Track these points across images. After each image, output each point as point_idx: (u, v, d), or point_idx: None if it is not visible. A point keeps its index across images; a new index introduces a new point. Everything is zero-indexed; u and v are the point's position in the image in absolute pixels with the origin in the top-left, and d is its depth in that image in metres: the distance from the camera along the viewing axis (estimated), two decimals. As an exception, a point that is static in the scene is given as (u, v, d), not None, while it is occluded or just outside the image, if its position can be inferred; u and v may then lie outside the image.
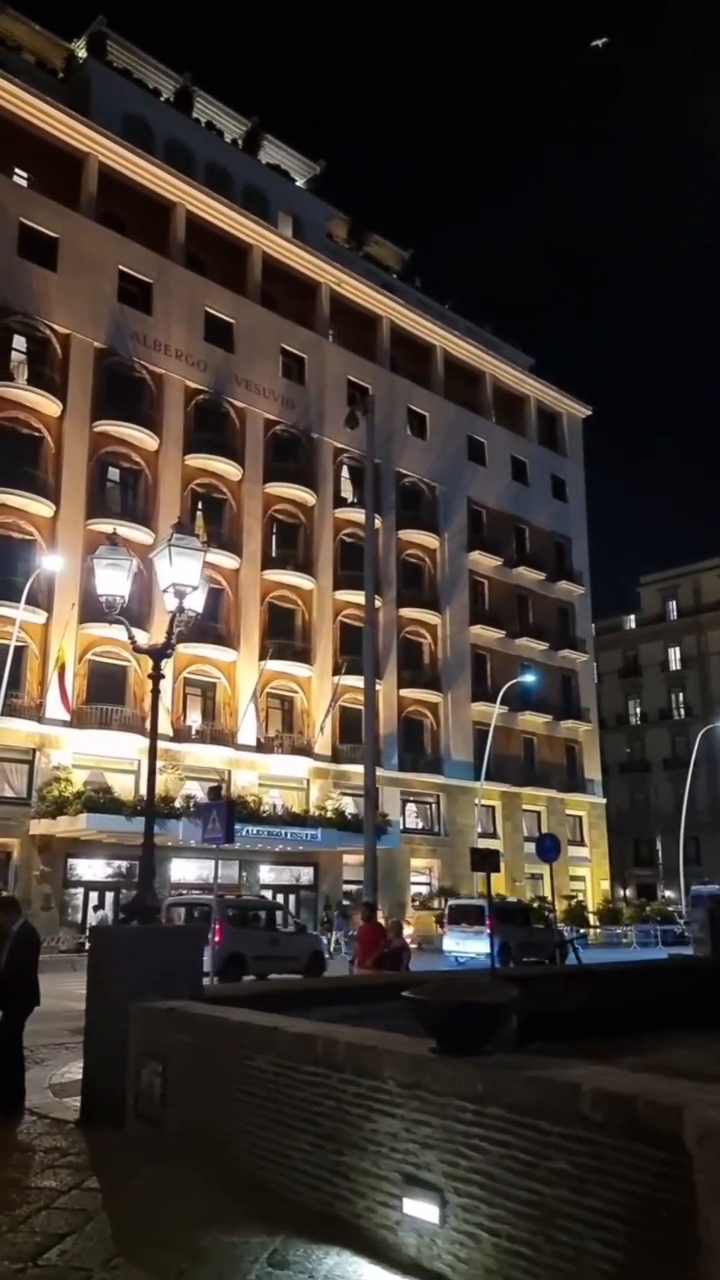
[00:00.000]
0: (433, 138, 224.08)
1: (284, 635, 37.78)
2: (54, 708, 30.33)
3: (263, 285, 40.38)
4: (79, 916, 30.43)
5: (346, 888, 37.10)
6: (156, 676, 7.98)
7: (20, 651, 29.98)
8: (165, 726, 32.99)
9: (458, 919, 26.23)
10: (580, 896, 45.93)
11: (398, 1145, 4.70)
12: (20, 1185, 5.89)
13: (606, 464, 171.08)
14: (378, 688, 39.71)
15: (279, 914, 23.32)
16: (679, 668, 69.60)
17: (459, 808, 42.24)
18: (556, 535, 52.20)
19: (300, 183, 45.96)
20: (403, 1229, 4.61)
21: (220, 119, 43.27)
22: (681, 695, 69.26)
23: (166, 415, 35.64)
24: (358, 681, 39.04)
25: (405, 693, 41.36)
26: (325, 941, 25.29)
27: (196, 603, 8.17)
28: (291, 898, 36.28)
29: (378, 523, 41.76)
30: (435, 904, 39.12)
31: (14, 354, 32.77)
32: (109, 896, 30.99)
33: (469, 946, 23.67)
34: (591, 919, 44.22)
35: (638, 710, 71.13)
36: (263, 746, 35.86)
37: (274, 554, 38.28)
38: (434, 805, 42.30)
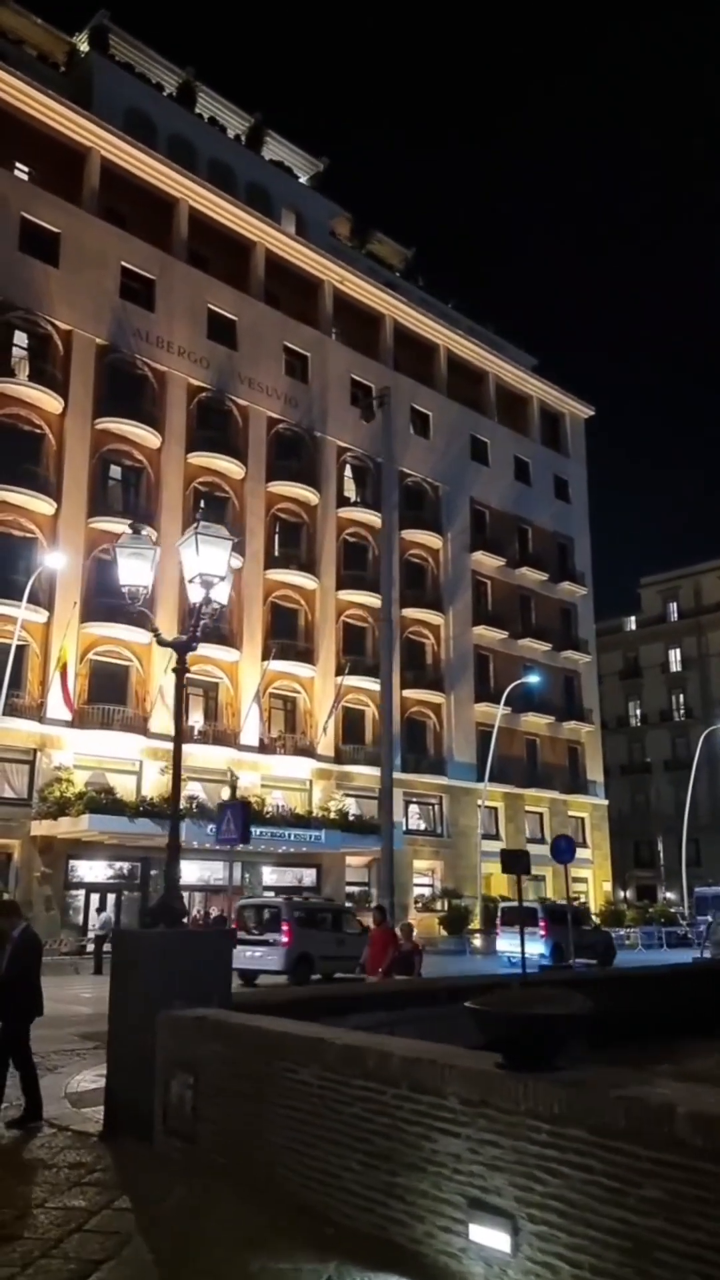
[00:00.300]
0: (435, 137, 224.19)
1: (286, 635, 37.48)
2: (55, 708, 29.99)
3: (265, 282, 40.10)
4: (80, 918, 30.09)
5: (349, 889, 36.79)
6: (181, 670, 7.68)
7: (21, 651, 29.64)
8: (168, 726, 32.65)
9: (510, 920, 26.58)
10: (582, 898, 45.61)
11: (461, 1167, 4.40)
12: (48, 1205, 5.56)
13: (607, 465, 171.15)
14: (379, 688, 39.69)
15: (344, 916, 24.00)
16: (679, 669, 69.44)
17: (462, 809, 41.95)
18: (559, 536, 51.99)
19: (303, 180, 45.70)
20: (468, 1257, 4.30)
21: (223, 114, 42.99)
22: (682, 697, 69.09)
23: (169, 413, 35.32)
24: (360, 682, 38.86)
25: (408, 693, 41.04)
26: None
27: (221, 595, 7.85)
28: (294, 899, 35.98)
29: (380, 521, 41.74)
30: (438, 905, 38.86)
31: (15, 350, 32.44)
32: (110, 899, 30.64)
33: (517, 947, 23.87)
34: (594, 920, 43.90)
35: (638, 712, 70.95)
36: (265, 747, 35.55)
37: (276, 553, 37.98)
38: (436, 806, 42.01)
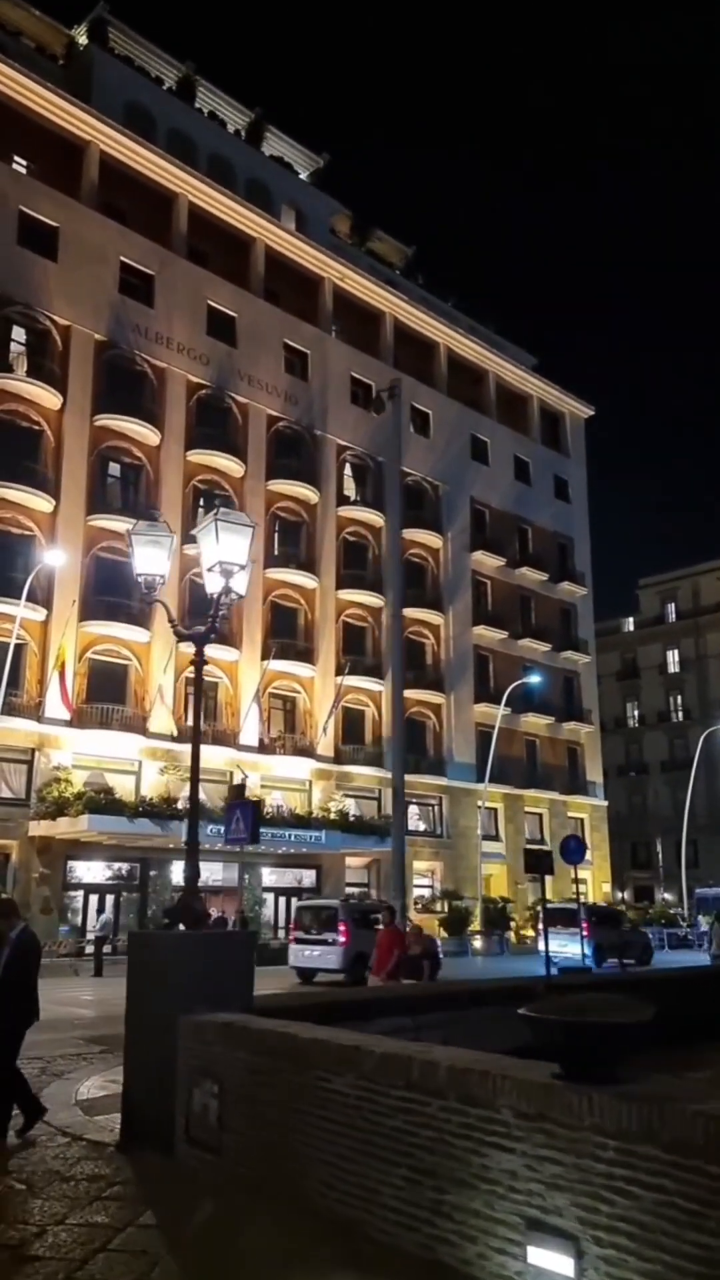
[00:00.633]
0: (434, 135, 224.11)
1: (286, 635, 37.16)
2: (54, 707, 29.65)
3: (265, 279, 39.79)
4: (79, 919, 29.74)
5: (349, 890, 36.48)
6: (199, 663, 7.40)
7: (19, 649, 29.31)
8: (168, 726, 32.36)
9: (553, 921, 27.53)
10: (582, 899, 45.34)
11: (518, 1185, 4.14)
12: (68, 1221, 5.29)
13: (604, 465, 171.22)
14: (380, 688, 39.57)
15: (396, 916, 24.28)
16: (677, 670, 69.32)
17: (461, 810, 41.70)
18: (559, 536, 51.77)
19: (303, 176, 45.41)
20: (527, 1280, 4.05)
21: (223, 109, 42.68)
22: (680, 698, 68.96)
23: (168, 410, 35.01)
24: (361, 682, 38.61)
25: (408, 694, 40.41)
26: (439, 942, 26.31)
27: (240, 584, 7.58)
28: (294, 901, 35.67)
29: (381, 521, 41.51)
30: (438, 907, 38.58)
31: (14, 345, 32.10)
32: (109, 899, 30.31)
33: (564, 948, 24.99)
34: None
35: (636, 713, 70.80)
36: (265, 747, 35.24)
37: (276, 552, 37.66)
38: (436, 807, 41.74)
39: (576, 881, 26.53)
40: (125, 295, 34.57)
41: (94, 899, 30.36)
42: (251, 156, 42.64)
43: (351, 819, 36.29)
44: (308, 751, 36.38)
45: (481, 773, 40.91)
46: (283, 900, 35.03)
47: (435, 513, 44.28)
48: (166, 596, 33.44)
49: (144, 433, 34.07)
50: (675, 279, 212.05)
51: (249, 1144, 5.74)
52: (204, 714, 34.76)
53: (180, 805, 30.61)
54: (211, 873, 31.47)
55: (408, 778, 39.15)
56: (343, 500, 40.65)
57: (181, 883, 31.68)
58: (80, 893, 30.47)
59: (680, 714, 68.21)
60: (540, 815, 46.57)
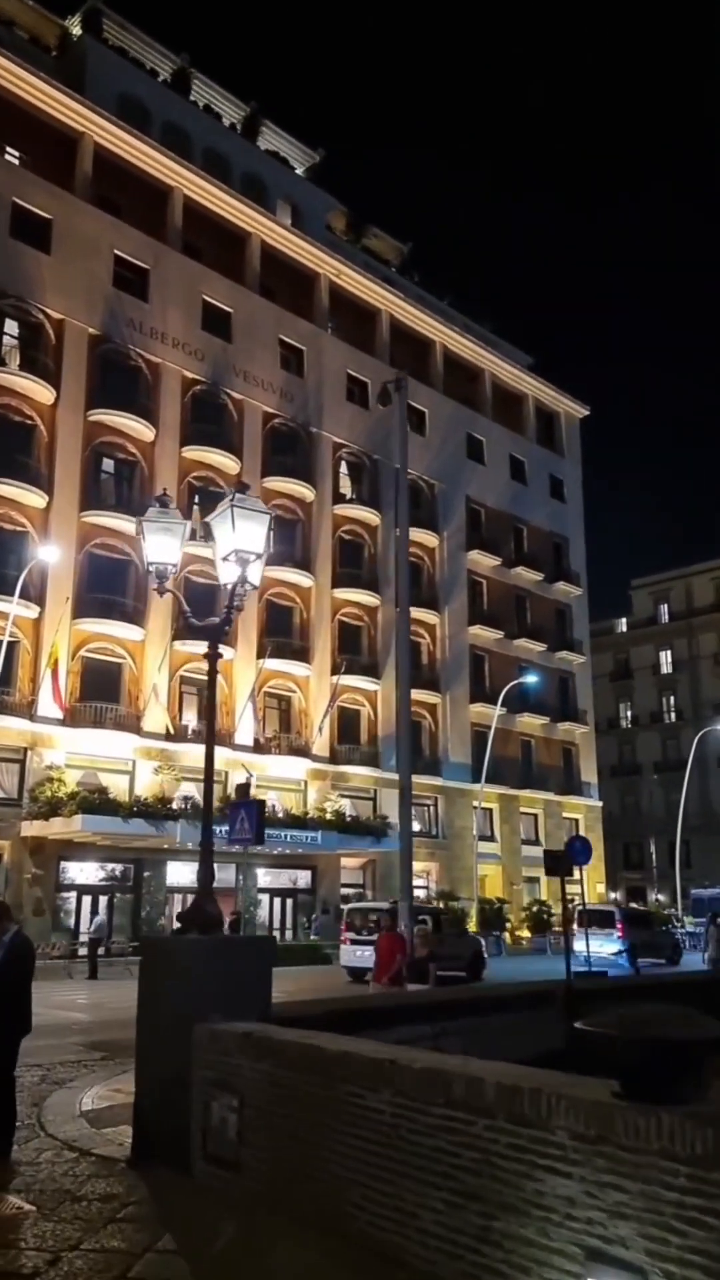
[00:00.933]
0: (429, 132, 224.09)
1: (282, 633, 36.83)
2: (46, 705, 29.26)
3: (261, 275, 39.46)
4: (72, 921, 29.36)
5: (344, 891, 36.21)
6: (213, 656, 7.10)
7: (12, 647, 28.89)
8: (162, 725, 32.00)
9: (589, 922, 29.29)
10: (577, 899, 45.16)
11: (576, 1212, 3.84)
12: (83, 1247, 4.96)
13: (598, 466, 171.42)
14: (375, 687, 39.30)
15: (444, 918, 26.26)
16: (670, 671, 69.32)
17: (457, 810, 41.47)
18: (554, 536, 51.61)
19: (299, 171, 45.10)
20: (586, 1316, 3.76)
21: (218, 102, 42.34)
22: (672, 699, 68.97)
23: (163, 405, 34.65)
24: (356, 681, 38.33)
25: (403, 693, 40.47)
26: (484, 943, 27.66)
27: (255, 575, 7.26)
28: (289, 901, 35.40)
29: (377, 519, 41.24)
30: (434, 907, 38.30)
31: (6, 338, 31.70)
32: (103, 901, 29.93)
33: (603, 948, 25.95)
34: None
35: (629, 713, 70.77)
36: (260, 747, 34.91)
37: (271, 550, 37.27)
38: (432, 807, 41.49)
39: (584, 883, 26.20)
40: (119, 289, 34.21)
41: (87, 900, 29.98)
42: (247, 151, 42.32)
43: (347, 819, 35.99)
44: (303, 751, 36.08)
45: (477, 773, 40.68)
46: (278, 901, 34.73)
47: (431, 511, 44.05)
48: (157, 597, 33.08)
49: (138, 428, 33.71)
50: (669, 280, 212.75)
51: (272, 1161, 5.43)
52: (199, 714, 34.55)
53: (175, 805, 30.29)
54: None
55: (403, 778, 39.13)
56: (339, 498, 40.36)
57: (175, 884, 31.51)
58: (73, 894, 30.09)
59: (673, 715, 68.20)
60: (535, 816, 46.38)
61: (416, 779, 39.72)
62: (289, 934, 34.14)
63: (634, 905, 36.60)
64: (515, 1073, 4.34)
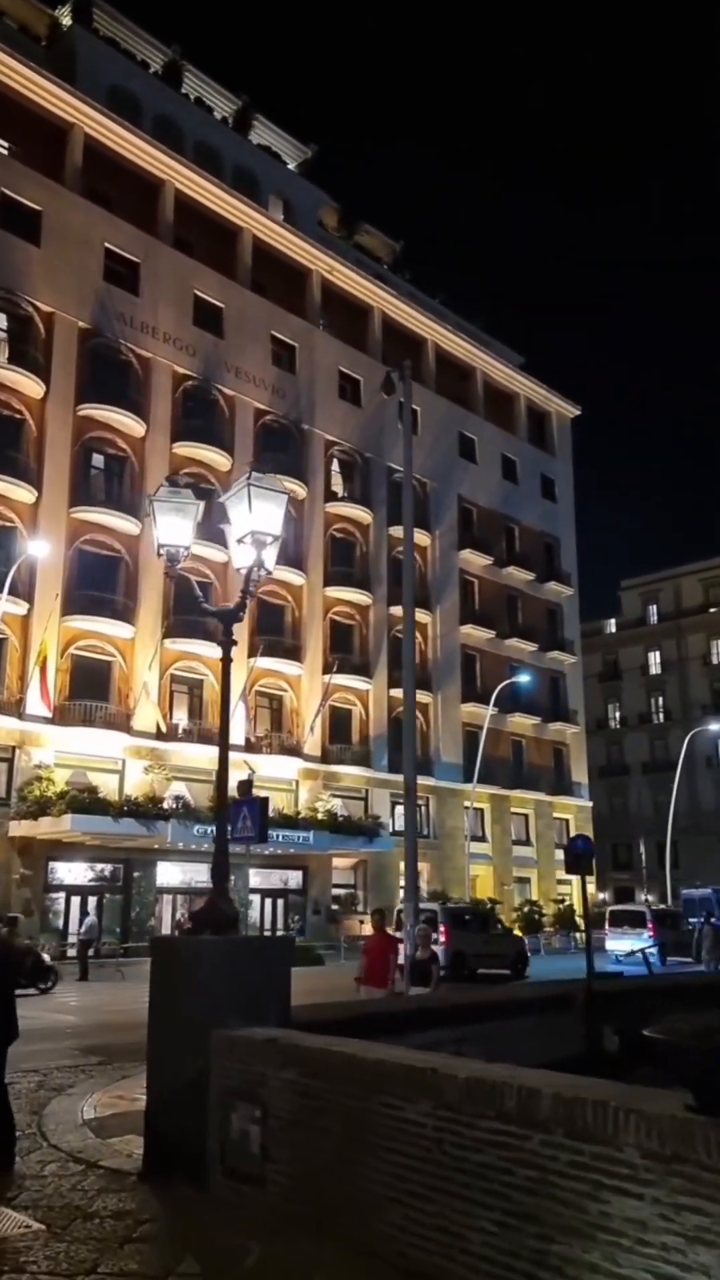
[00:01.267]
0: (423, 130, 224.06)
1: (273, 632, 36.46)
2: (35, 704, 28.79)
3: (253, 270, 39.12)
4: (60, 922, 28.91)
5: (335, 891, 35.89)
6: (227, 643, 6.78)
7: (0, 644, 28.47)
8: (152, 724, 31.58)
9: (619, 922, 30.66)
10: (568, 900, 45.06)
11: (649, 1237, 3.54)
12: (100, 1270, 4.62)
13: (589, 466, 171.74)
14: (368, 687, 38.98)
15: (488, 918, 27.36)
16: (659, 672, 69.34)
17: (448, 810, 41.22)
18: (545, 535, 51.47)
19: (291, 166, 44.77)
20: (662, 1350, 3.45)
21: (210, 95, 41.95)
22: (661, 700, 68.99)
23: (153, 401, 34.24)
24: (348, 680, 38.01)
25: (395, 693, 40.16)
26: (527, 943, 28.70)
27: (270, 559, 6.94)
28: (280, 902, 35.02)
29: (369, 518, 40.94)
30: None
31: (-5, 331, 31.25)
32: (92, 901, 29.46)
33: (630, 946, 26.72)
34: (579, 923, 43.34)
35: (617, 714, 70.75)
36: (251, 746, 34.51)
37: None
38: (423, 808, 41.17)
39: (585, 883, 25.90)
40: (110, 283, 33.80)
41: (76, 901, 29.52)
42: (239, 145, 41.97)
43: (339, 819, 35.67)
44: (295, 751, 35.75)
45: (469, 773, 40.43)
46: (269, 901, 34.36)
47: (423, 510, 43.80)
48: (152, 590, 32.69)
49: (128, 423, 33.30)
50: (663, 281, 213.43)
51: (299, 1177, 5.10)
52: (190, 712, 34.13)
53: (166, 805, 29.89)
54: (197, 874, 30.74)
55: (394, 778, 38.89)
56: (330, 496, 40.04)
57: (166, 884, 31.00)
58: (62, 895, 29.63)
59: (661, 715, 68.22)
60: (526, 816, 46.21)
61: (409, 779, 39.59)
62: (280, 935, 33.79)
63: (662, 906, 38.05)
64: (574, 1084, 4.04)
